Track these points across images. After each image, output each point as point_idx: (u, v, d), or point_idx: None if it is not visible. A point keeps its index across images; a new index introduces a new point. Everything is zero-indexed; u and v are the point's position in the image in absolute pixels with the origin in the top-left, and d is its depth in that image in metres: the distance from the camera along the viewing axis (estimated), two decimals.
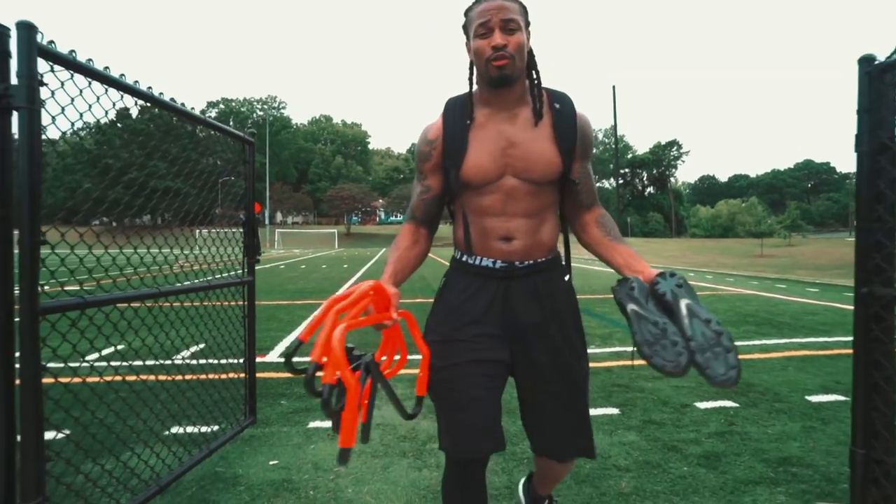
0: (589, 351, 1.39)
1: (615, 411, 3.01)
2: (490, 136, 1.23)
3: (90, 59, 1.58)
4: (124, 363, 3.09)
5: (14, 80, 1.33)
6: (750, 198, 65.11)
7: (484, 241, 1.25)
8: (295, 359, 0.99)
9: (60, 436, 2.33)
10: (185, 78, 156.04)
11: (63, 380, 1.55)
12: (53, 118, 1.47)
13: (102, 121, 1.81)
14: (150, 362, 3.23)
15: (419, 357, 1.24)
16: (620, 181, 73.34)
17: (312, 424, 2.83)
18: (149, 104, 1.98)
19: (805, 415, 2.93)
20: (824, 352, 4.51)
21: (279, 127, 75.31)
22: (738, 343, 4.99)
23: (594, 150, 1.39)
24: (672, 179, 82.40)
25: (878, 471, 1.57)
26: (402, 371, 2.87)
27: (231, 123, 71.63)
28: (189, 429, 2.64)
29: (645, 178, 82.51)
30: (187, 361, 3.84)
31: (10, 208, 1.33)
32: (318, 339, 0.89)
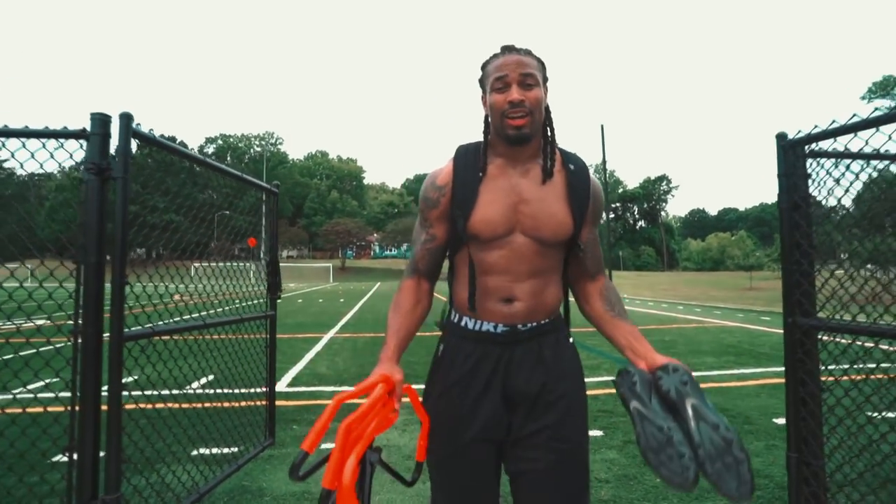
0: None
1: (599, 433, 3.33)
2: (502, 189, 1.17)
3: (172, 137, 1.96)
4: (149, 392, 3.36)
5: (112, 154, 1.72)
6: (739, 231, 66.50)
7: (485, 301, 1.18)
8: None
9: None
10: (184, 114, 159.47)
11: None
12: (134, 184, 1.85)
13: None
14: (175, 391, 3.49)
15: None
16: (612, 215, 74.58)
17: (325, 446, 3.10)
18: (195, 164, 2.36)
19: (769, 434, 3.26)
20: None
21: (276, 162, 77.06)
22: (717, 372, 5.40)
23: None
24: (663, 213, 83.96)
25: (807, 471, 1.90)
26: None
27: (228, 159, 72.84)
28: (214, 450, 2.91)
29: (636, 213, 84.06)
30: (206, 391, 4.11)
31: (103, 256, 1.69)
32: (330, 464, 0.88)
